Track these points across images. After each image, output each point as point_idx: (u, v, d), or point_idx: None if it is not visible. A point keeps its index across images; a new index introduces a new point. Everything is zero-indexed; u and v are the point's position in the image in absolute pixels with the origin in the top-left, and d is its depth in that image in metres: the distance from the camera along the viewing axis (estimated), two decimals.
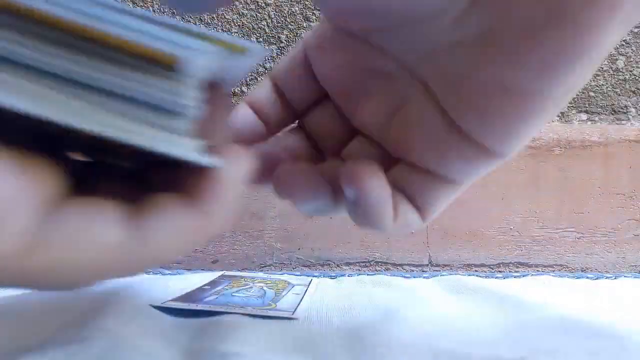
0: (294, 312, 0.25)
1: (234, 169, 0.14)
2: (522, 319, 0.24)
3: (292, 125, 0.22)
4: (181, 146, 0.13)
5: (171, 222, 0.13)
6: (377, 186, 0.17)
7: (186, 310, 0.24)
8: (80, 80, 0.12)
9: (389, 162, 0.19)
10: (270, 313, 0.24)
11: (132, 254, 0.12)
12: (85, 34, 0.11)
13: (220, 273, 0.36)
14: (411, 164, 0.18)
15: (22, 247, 0.11)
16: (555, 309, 0.26)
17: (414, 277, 0.39)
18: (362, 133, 0.20)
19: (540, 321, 0.24)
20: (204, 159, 0.13)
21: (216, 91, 0.14)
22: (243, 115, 0.20)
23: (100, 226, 0.12)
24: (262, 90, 0.21)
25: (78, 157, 0.16)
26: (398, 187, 0.18)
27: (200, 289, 0.29)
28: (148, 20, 0.12)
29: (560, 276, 0.40)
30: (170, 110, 0.12)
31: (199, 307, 0.25)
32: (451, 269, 0.45)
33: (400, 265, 0.46)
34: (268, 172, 0.19)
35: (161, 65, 0.12)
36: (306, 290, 0.30)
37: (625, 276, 0.40)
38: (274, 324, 0.23)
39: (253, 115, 0.20)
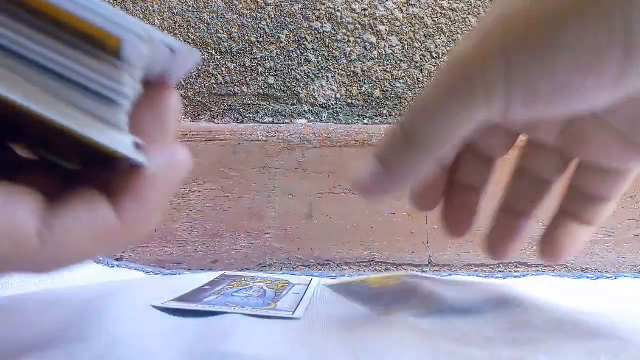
0: (294, 311, 0.25)
1: (164, 170, 0.13)
2: (522, 319, 0.24)
3: None
4: (111, 137, 0.12)
5: (83, 219, 0.12)
6: None
7: (186, 311, 0.24)
8: (16, 51, 0.11)
9: (567, 161, 0.23)
10: (271, 313, 0.24)
11: (42, 248, 0.12)
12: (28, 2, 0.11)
13: (220, 273, 0.36)
14: (594, 166, 0.22)
15: None
16: (555, 309, 0.26)
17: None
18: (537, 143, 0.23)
19: (540, 321, 0.24)
20: (133, 154, 0.12)
21: (157, 87, 0.14)
22: None
23: (14, 213, 0.11)
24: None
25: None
26: (584, 191, 0.23)
27: (201, 289, 0.29)
28: None
29: (560, 276, 0.40)
30: (106, 97, 0.12)
31: (199, 307, 0.25)
32: (451, 269, 0.45)
33: (400, 265, 0.46)
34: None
35: (103, 46, 0.11)
36: (306, 290, 0.30)
37: (625, 276, 0.40)
38: (274, 324, 0.23)
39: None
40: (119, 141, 0.12)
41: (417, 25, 0.50)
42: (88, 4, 0.11)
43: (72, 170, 0.15)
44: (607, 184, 0.23)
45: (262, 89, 0.50)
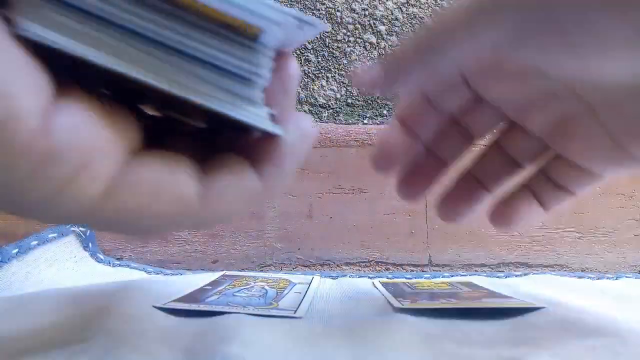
0: (296, 311, 0.25)
1: (297, 138, 0.15)
2: (522, 318, 0.24)
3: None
4: (252, 113, 0.13)
5: (237, 182, 0.14)
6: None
7: (188, 311, 0.24)
8: (164, 42, 0.12)
9: (544, 151, 0.23)
10: (272, 312, 0.24)
11: (200, 208, 0.13)
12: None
13: (221, 273, 0.36)
14: (571, 162, 0.22)
15: (104, 191, 0.11)
16: (556, 308, 0.26)
17: (415, 278, 0.39)
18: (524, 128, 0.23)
19: (540, 320, 0.24)
20: (272, 127, 0.14)
21: (282, 59, 0.15)
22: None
23: (178, 178, 0.13)
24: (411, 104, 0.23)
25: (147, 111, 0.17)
26: (552, 178, 0.23)
27: (202, 289, 0.29)
28: None
29: (561, 276, 0.40)
30: (246, 77, 0.13)
31: (201, 307, 0.24)
32: (451, 269, 0.45)
33: (401, 265, 0.46)
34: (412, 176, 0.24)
35: (244, 35, 0.13)
36: (307, 289, 0.30)
37: (626, 276, 0.40)
38: (276, 323, 0.23)
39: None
40: (257, 116, 0.13)
41: (417, 25, 0.50)
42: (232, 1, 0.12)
43: (207, 137, 0.16)
44: (576, 181, 0.23)
45: None
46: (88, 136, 0.11)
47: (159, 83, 0.12)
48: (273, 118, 0.14)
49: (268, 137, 0.14)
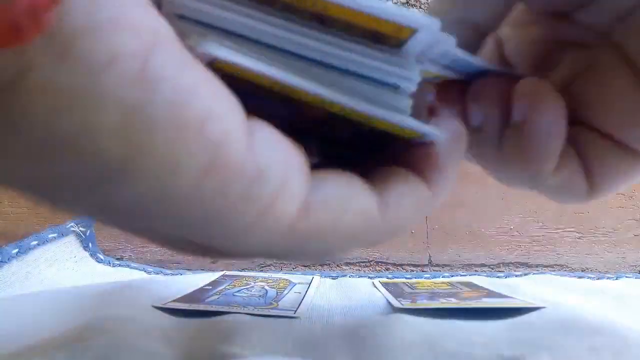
0: (295, 311, 0.25)
1: (451, 139, 0.14)
2: (522, 318, 0.24)
3: None
4: (411, 120, 0.13)
5: (411, 192, 0.14)
6: (553, 106, 0.16)
7: (188, 311, 0.24)
8: (311, 57, 0.12)
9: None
10: (272, 312, 0.24)
11: (378, 223, 0.13)
12: (324, 10, 0.11)
13: (221, 273, 0.36)
14: (594, 128, 0.17)
15: (300, 209, 0.11)
16: (556, 308, 0.26)
17: (415, 278, 0.39)
18: None
19: (540, 320, 0.24)
20: (433, 131, 0.13)
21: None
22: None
23: (358, 191, 0.13)
24: None
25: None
26: (574, 147, 0.17)
27: (202, 289, 0.29)
28: None
29: (561, 276, 0.40)
30: (397, 86, 0.13)
31: (201, 307, 0.24)
32: (451, 269, 0.45)
33: (401, 265, 0.46)
34: None
35: (392, 41, 0.12)
36: (307, 289, 0.30)
37: (626, 276, 0.40)
38: (276, 323, 0.23)
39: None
40: (415, 122, 0.13)
41: None
42: (381, 6, 0.11)
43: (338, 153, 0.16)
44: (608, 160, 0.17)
45: None
46: (283, 153, 0.11)
47: (333, 97, 0.12)
48: (426, 123, 0.14)
49: (424, 145, 0.14)
